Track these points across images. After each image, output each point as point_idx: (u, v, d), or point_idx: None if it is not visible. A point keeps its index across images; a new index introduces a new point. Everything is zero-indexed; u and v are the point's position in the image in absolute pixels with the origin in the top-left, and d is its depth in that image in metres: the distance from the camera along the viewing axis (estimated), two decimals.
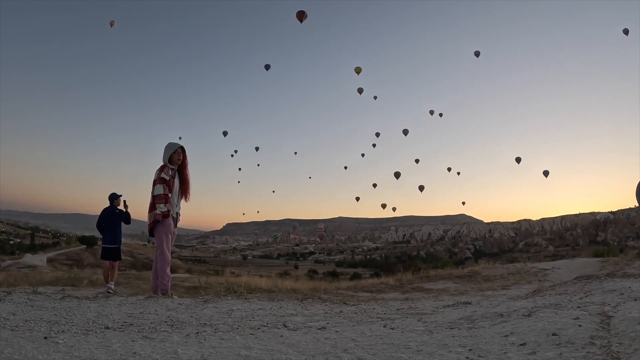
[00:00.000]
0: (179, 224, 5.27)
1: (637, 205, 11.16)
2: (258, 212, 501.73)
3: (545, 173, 59.01)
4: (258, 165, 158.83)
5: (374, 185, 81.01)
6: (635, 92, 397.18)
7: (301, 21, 33.94)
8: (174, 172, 4.97)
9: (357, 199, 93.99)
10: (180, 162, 4.99)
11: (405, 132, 55.56)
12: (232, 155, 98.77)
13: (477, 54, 45.83)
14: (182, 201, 5.15)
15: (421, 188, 67.76)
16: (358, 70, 44.70)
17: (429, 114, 57.82)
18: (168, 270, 4.92)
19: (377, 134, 66.50)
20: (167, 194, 4.83)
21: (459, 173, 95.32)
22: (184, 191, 5.08)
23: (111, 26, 40.59)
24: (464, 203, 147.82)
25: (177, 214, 5.06)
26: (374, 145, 73.08)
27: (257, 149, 79.80)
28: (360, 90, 47.03)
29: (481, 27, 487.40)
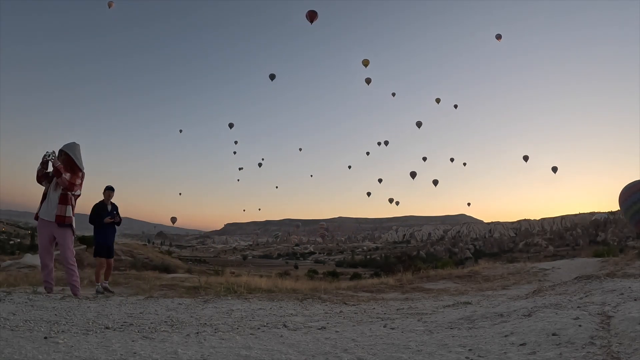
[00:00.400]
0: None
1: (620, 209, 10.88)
2: (259, 209, 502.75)
3: (554, 169, 58.13)
4: (262, 160, 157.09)
5: (380, 181, 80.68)
6: (635, 92, 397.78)
7: (312, 22, 33.48)
8: (51, 173, 4.87)
9: (369, 194, 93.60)
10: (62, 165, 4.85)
11: (419, 124, 54.78)
12: (234, 152, 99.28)
13: (498, 37, 44.36)
14: (59, 193, 4.88)
15: (435, 182, 66.84)
16: (366, 63, 43.79)
17: (435, 102, 57.35)
18: (44, 270, 5.02)
19: (386, 142, 66.39)
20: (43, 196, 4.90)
21: (464, 164, 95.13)
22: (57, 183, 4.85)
23: (109, 7, 39.83)
24: (469, 204, 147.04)
25: (37, 214, 4.93)
26: (379, 144, 72.71)
27: (260, 165, 78.61)
28: (368, 81, 46.29)
29: (482, 26, 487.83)
